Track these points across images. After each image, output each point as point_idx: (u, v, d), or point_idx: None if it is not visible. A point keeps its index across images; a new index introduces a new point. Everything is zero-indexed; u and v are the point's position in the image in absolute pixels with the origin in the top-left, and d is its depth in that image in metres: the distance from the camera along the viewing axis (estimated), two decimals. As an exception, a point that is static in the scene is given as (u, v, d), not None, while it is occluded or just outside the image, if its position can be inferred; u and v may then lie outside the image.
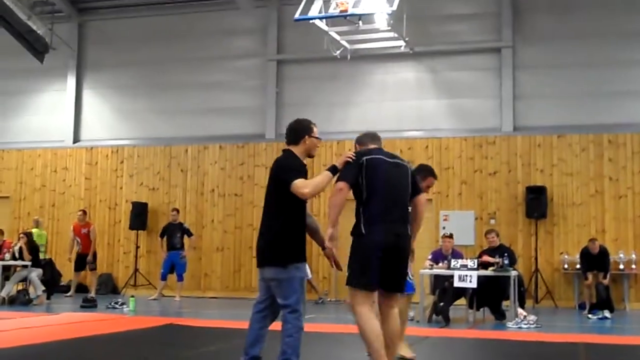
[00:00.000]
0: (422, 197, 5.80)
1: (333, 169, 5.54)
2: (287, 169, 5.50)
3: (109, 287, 17.18)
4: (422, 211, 5.79)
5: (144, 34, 18.33)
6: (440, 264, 11.66)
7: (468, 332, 9.92)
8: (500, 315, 11.72)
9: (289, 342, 5.42)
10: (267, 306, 5.67)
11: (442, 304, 11.28)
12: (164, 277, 15.47)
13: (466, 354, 7.15)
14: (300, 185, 5.38)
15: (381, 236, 5.42)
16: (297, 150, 5.65)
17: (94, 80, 18.69)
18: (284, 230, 5.50)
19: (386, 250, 5.40)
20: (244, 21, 17.75)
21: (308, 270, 5.75)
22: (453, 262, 11.36)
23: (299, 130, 5.68)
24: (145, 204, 17.37)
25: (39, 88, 18.82)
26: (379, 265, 5.39)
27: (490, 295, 11.73)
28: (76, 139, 18.51)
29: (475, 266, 11.21)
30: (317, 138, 5.71)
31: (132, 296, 13.18)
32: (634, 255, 14.53)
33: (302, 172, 5.48)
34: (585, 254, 13.54)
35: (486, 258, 11.74)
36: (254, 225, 16.72)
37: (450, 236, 12.23)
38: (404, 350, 6.65)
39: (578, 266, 14.06)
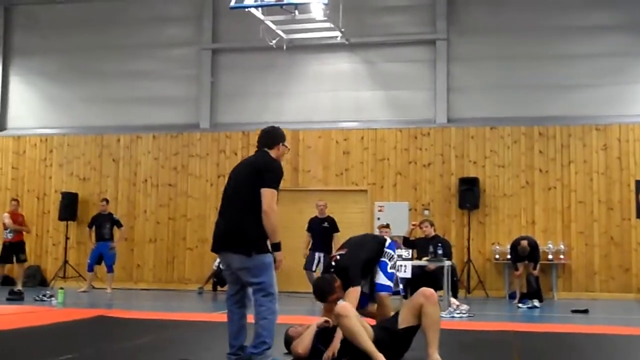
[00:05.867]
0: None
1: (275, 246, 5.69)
2: (274, 174, 5.68)
3: (37, 279, 16.73)
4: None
5: (74, 20, 17.82)
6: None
7: (402, 322, 9.98)
8: (433, 305, 11.81)
9: (263, 324, 5.52)
10: (242, 297, 5.80)
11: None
12: (90, 269, 15.15)
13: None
14: (271, 198, 5.57)
15: None
16: (272, 154, 5.89)
17: (21, 67, 18.10)
18: (256, 222, 5.58)
19: None
20: (178, 9, 17.45)
21: None
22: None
23: (276, 136, 5.96)
24: (76, 194, 16.95)
25: (-38, 74, 18.15)
26: None
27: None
28: (2, 127, 17.92)
29: (410, 256, 11.28)
30: (287, 147, 6.01)
31: (61, 288, 12.81)
32: (562, 246, 14.88)
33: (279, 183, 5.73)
34: (514, 246, 13.68)
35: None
36: (188, 216, 16.50)
37: (387, 226, 12.29)
38: None
39: (509, 256, 14.28)
